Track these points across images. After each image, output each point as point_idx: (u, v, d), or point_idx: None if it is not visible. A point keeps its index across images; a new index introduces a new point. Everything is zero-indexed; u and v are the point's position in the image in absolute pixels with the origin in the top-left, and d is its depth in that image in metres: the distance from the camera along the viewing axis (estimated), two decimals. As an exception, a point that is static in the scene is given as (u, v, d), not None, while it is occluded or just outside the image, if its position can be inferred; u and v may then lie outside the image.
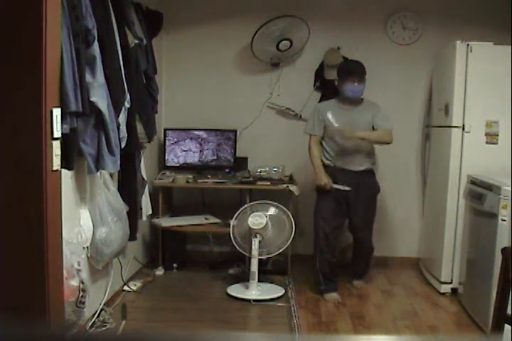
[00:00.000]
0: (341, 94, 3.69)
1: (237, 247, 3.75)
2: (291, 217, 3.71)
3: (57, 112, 2.02)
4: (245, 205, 3.85)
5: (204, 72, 4.51)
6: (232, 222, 3.78)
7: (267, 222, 3.61)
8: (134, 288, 3.71)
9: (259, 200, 3.87)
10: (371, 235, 3.89)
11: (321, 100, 4.30)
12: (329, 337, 2.51)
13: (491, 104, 3.64)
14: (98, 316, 3.10)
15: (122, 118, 2.98)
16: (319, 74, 4.40)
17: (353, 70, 3.62)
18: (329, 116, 3.69)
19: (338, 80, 3.71)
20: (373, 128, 3.66)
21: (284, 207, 3.75)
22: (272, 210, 3.75)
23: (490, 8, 4.21)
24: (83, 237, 2.77)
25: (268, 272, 4.05)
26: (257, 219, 3.61)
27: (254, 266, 3.67)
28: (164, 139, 4.40)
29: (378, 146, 3.88)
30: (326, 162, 3.73)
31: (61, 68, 2.21)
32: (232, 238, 3.75)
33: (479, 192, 3.30)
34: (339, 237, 3.90)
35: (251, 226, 3.61)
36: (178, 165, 4.43)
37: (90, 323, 3.01)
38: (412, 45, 4.37)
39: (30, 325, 0.85)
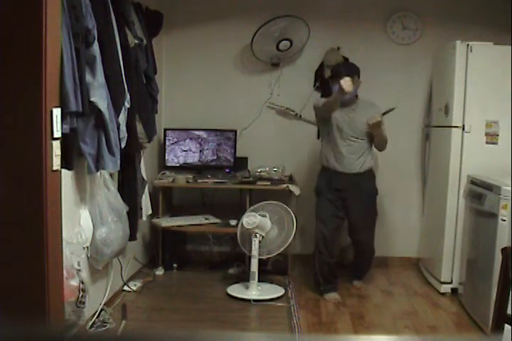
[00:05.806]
0: None
1: (242, 247, 3.75)
2: (293, 216, 3.70)
3: (57, 112, 2.02)
4: (255, 205, 3.83)
5: (204, 72, 4.51)
6: (235, 222, 3.79)
7: (260, 222, 3.60)
8: (134, 288, 3.71)
9: (261, 200, 3.87)
10: (372, 238, 3.87)
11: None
12: (329, 337, 2.51)
13: (491, 104, 3.64)
14: (98, 316, 3.10)
15: (122, 118, 2.98)
16: (319, 74, 4.40)
17: (340, 70, 3.58)
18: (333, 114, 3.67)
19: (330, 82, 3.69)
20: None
21: (288, 208, 3.75)
22: (276, 210, 3.74)
23: (490, 8, 4.21)
24: (83, 237, 2.77)
25: (268, 272, 4.06)
26: (251, 219, 3.61)
27: (254, 266, 3.67)
28: (164, 139, 4.40)
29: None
30: (324, 164, 3.73)
31: (61, 68, 2.21)
32: (238, 237, 3.76)
33: (479, 192, 3.30)
34: (338, 238, 3.88)
35: (245, 226, 3.61)
36: (178, 165, 4.43)
37: (90, 323, 3.01)
38: (412, 45, 4.37)
39: (30, 325, 0.85)
